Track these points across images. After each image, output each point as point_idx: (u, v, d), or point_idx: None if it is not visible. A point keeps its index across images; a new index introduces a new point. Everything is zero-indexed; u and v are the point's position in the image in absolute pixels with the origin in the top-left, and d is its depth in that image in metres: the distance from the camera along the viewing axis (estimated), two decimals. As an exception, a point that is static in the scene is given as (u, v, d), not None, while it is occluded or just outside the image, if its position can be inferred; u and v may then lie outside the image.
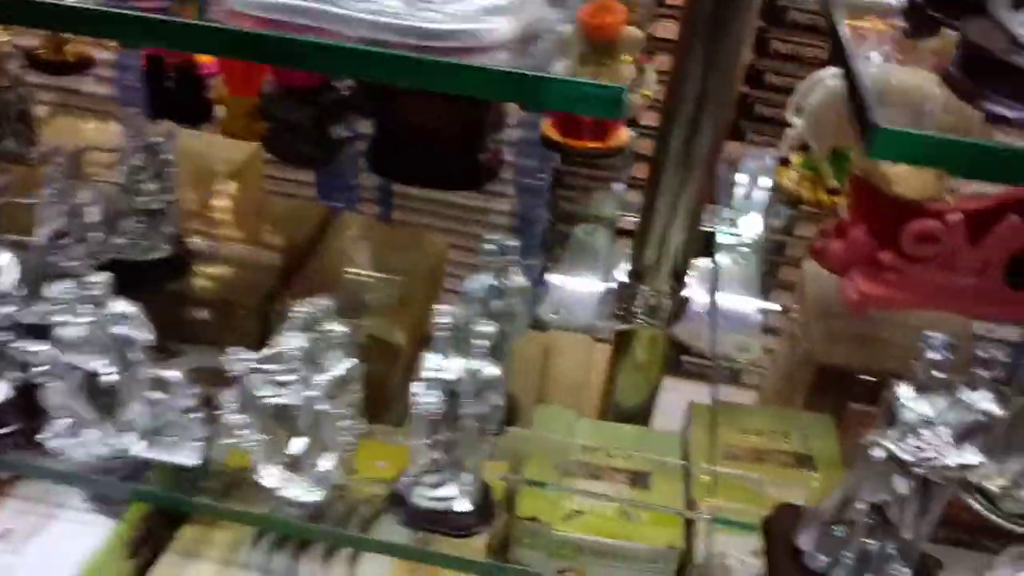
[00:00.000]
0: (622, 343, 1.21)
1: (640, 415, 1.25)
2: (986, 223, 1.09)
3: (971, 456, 0.69)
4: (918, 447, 0.69)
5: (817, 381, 1.23)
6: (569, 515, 1.01)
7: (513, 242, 0.81)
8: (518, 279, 0.82)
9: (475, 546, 0.87)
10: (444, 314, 0.72)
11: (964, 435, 0.69)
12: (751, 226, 1.31)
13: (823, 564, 0.76)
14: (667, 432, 1.15)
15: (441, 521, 0.78)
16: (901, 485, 0.71)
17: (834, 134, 1.23)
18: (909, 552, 0.76)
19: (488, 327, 0.71)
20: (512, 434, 0.96)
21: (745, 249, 1.23)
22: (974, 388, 0.69)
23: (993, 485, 0.86)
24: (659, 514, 0.96)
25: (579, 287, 1.16)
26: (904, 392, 0.69)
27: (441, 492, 0.77)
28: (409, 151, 1.26)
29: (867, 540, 0.75)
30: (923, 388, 0.69)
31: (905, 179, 1.07)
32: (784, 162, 1.41)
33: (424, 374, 0.73)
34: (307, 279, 1.24)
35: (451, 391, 0.73)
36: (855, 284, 1.13)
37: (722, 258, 1.25)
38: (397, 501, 0.79)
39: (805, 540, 0.78)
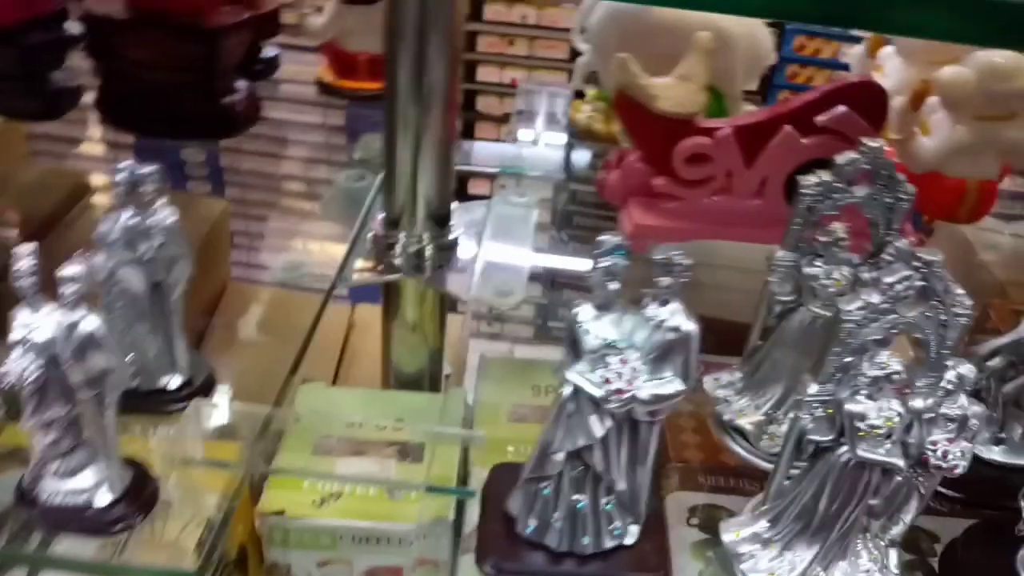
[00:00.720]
0: (389, 301, 1.08)
1: (425, 380, 1.12)
2: (761, 139, 0.99)
3: (670, 385, 0.58)
4: (606, 379, 0.57)
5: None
6: (324, 500, 0.88)
7: (150, 168, 0.67)
8: (166, 214, 0.68)
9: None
10: (24, 256, 0.58)
11: (660, 359, 0.58)
12: (537, 166, 1.20)
13: (532, 528, 0.65)
14: (452, 393, 1.02)
15: (78, 519, 0.63)
16: (597, 427, 0.59)
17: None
18: (632, 505, 0.65)
19: (77, 268, 0.57)
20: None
21: (520, 194, 1.11)
22: (663, 302, 0.57)
23: (747, 423, 0.75)
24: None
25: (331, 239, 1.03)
26: (584, 313, 0.57)
27: (74, 484, 0.63)
28: (140, 97, 1.10)
29: (577, 496, 0.63)
30: (604, 307, 0.58)
31: (669, 93, 0.96)
32: (580, 95, 1.30)
33: (11, 336, 0.59)
34: (52, 252, 1.09)
35: (50, 355, 0.59)
36: (630, 215, 1.03)
37: (497, 201, 1.13)
38: (26, 501, 0.65)
39: (514, 503, 0.66)
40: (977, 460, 0.77)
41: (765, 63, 1.19)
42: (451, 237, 1.05)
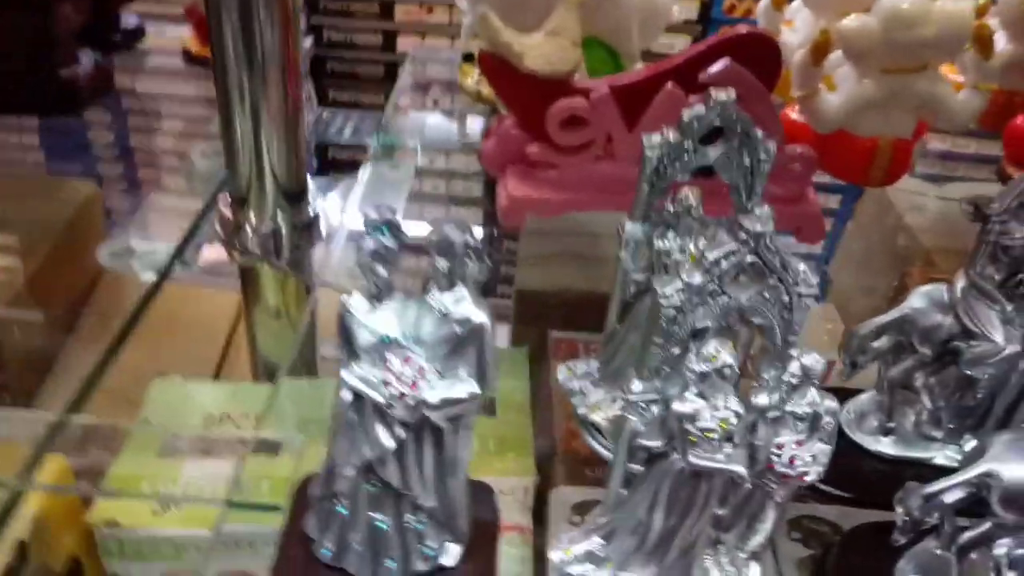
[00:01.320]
0: (247, 286, 0.99)
1: (299, 367, 1.03)
2: (643, 99, 0.90)
3: (462, 387, 0.49)
4: (385, 381, 0.48)
5: (520, 309, 1.02)
6: (163, 507, 0.79)
7: None
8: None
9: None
10: None
11: (452, 354, 0.49)
12: (416, 135, 1.10)
13: (329, 552, 0.55)
14: (282, 384, 0.93)
15: None
16: (385, 437, 0.50)
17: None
18: (448, 522, 0.56)
19: None
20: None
21: (393, 166, 1.01)
22: (448, 286, 0.48)
23: (602, 418, 0.66)
24: (277, 484, 0.75)
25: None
26: (356, 303, 0.48)
27: None
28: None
29: (375, 515, 0.54)
30: (380, 296, 0.48)
31: (537, 50, 0.87)
32: (468, 58, 1.19)
33: None
34: None
35: None
36: (505, 186, 0.93)
37: (368, 173, 1.03)
38: None
39: (310, 523, 0.56)
40: (864, 453, 0.69)
41: (665, 19, 1.09)
42: (309, 215, 0.95)
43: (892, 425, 0.68)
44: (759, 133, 0.60)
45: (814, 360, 0.48)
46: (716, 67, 0.85)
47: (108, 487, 0.76)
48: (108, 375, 0.89)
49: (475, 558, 0.58)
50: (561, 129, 0.88)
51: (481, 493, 0.63)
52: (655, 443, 0.50)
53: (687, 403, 0.48)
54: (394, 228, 0.46)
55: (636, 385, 0.49)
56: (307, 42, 1.64)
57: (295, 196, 0.92)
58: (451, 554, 0.57)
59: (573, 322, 0.93)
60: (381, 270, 0.46)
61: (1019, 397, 0.62)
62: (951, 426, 0.66)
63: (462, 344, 0.48)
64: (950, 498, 0.53)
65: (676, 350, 0.48)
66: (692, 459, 0.49)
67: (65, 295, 1.12)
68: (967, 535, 0.54)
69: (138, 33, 1.18)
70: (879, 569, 0.59)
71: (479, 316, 0.47)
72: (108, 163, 1.29)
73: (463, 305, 0.47)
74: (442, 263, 0.46)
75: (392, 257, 0.46)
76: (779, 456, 0.49)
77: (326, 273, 0.93)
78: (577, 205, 0.91)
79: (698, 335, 0.48)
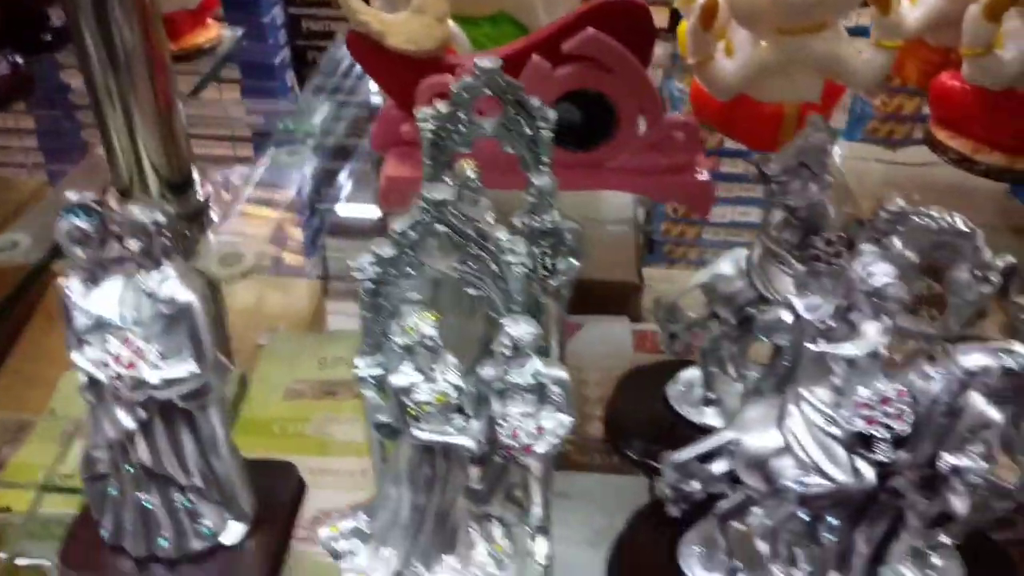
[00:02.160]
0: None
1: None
2: (514, 72, 0.88)
3: (183, 366, 0.49)
4: (103, 362, 0.48)
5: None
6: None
7: None
8: None
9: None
10: None
11: (169, 334, 0.49)
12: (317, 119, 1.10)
13: (108, 532, 0.57)
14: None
15: None
16: (124, 418, 0.51)
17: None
18: (226, 501, 0.56)
19: None
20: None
21: (292, 152, 1.01)
22: (153, 266, 0.48)
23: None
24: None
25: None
26: (73, 285, 0.49)
27: None
28: None
29: (141, 495, 0.55)
30: (94, 278, 0.49)
31: (399, 28, 0.86)
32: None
33: None
34: None
35: None
36: (385, 168, 0.93)
37: (273, 158, 1.04)
38: None
39: (93, 505, 0.58)
40: (688, 425, 0.67)
41: (572, -8, 1.07)
42: (198, 203, 0.96)
43: (713, 396, 0.66)
44: (534, 101, 0.59)
45: (524, 331, 0.47)
46: (577, 37, 0.83)
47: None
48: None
49: (261, 536, 0.59)
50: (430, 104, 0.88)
51: (279, 471, 0.63)
52: (387, 418, 0.50)
53: (403, 376, 0.48)
54: (89, 210, 0.46)
55: (359, 360, 0.49)
56: (283, 34, 1.64)
57: (179, 186, 0.94)
58: (232, 532, 0.58)
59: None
60: (79, 252, 0.47)
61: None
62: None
63: (175, 323, 0.48)
64: (716, 469, 0.52)
65: (392, 322, 0.47)
66: (415, 432, 0.49)
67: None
68: (723, 505, 0.52)
69: (67, 33, 1.21)
70: (665, 544, 0.57)
71: (185, 295, 0.48)
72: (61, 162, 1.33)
73: (168, 284, 0.47)
74: (134, 244, 0.46)
75: (92, 239, 0.47)
76: (503, 428, 0.48)
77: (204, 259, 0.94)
78: (452, 184, 0.90)
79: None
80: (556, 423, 0.49)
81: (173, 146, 0.91)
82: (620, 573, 0.59)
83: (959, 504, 0.46)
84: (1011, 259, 0.53)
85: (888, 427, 0.46)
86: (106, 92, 0.86)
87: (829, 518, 0.49)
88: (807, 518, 0.49)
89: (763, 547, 0.51)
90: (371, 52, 0.88)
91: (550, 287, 0.62)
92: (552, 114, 0.59)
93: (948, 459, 0.45)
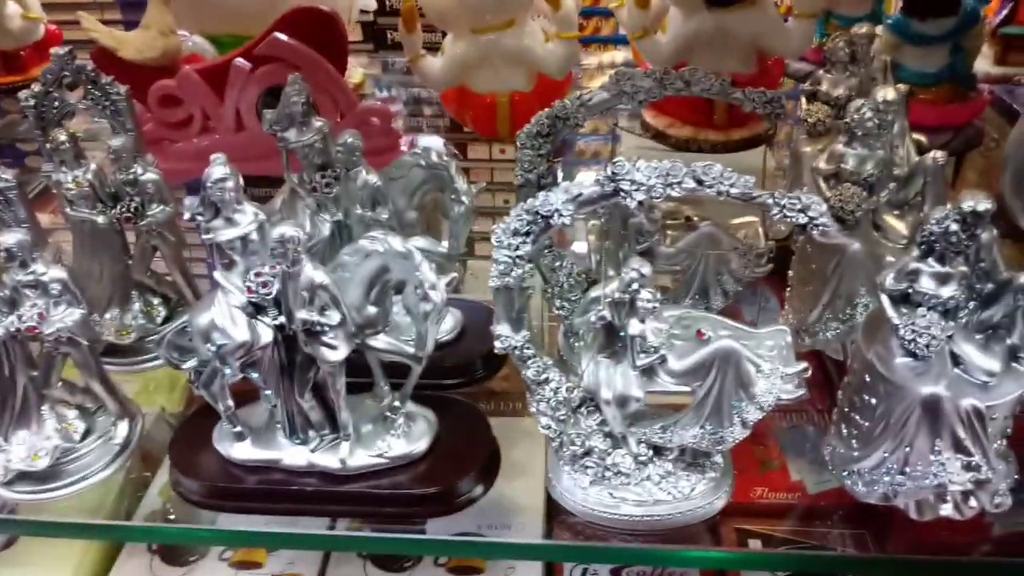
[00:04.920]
0: None
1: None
2: (227, 75, 1.04)
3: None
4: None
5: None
6: None
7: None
8: None
9: None
10: None
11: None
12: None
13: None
14: None
15: None
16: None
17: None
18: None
19: None
20: None
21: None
22: None
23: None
24: None
25: None
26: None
27: None
28: None
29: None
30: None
31: (128, 42, 1.03)
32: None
33: None
34: None
35: None
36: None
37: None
38: None
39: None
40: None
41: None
42: None
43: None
44: (104, 78, 0.75)
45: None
46: (264, 42, 1.00)
47: None
48: None
49: None
50: (161, 107, 1.05)
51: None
52: None
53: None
54: None
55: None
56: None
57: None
58: None
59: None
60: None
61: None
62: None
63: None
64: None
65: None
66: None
67: None
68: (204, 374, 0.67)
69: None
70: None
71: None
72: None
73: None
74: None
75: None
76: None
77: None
78: (186, 175, 1.05)
79: None
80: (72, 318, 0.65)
81: None
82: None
83: (326, 352, 0.60)
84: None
85: (260, 293, 0.60)
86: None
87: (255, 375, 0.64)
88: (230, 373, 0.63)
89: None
90: (114, 64, 1.05)
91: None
92: (123, 89, 0.75)
93: (297, 315, 0.60)
